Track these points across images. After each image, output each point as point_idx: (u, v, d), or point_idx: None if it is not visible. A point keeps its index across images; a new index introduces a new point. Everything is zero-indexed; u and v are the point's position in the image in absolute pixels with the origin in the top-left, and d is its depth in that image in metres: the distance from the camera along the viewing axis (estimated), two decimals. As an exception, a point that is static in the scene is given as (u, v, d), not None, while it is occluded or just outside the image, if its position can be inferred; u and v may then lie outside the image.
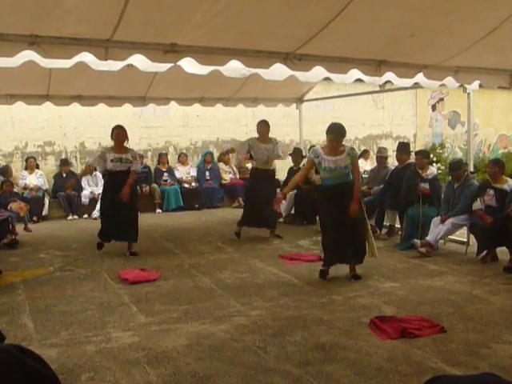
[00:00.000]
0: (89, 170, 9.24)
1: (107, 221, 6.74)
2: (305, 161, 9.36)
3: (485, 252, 6.20)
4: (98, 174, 10.45)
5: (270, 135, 7.67)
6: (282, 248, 7.10)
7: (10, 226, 7.50)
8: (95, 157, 7.14)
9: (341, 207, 5.30)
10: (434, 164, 10.62)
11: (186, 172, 11.45)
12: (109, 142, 10.99)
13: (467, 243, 6.75)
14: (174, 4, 3.89)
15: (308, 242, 7.47)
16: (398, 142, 8.77)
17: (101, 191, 10.04)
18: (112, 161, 6.59)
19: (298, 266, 6.07)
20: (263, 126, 7.59)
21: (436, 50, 5.23)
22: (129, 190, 6.53)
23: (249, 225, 7.69)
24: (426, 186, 7.02)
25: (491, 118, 15.31)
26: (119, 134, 6.68)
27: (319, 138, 12.98)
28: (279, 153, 7.63)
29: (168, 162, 11.41)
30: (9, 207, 7.83)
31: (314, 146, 9.65)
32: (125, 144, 6.79)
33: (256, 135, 7.68)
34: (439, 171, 10.33)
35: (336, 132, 5.31)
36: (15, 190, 9.25)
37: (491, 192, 6.26)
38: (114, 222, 6.62)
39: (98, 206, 10.06)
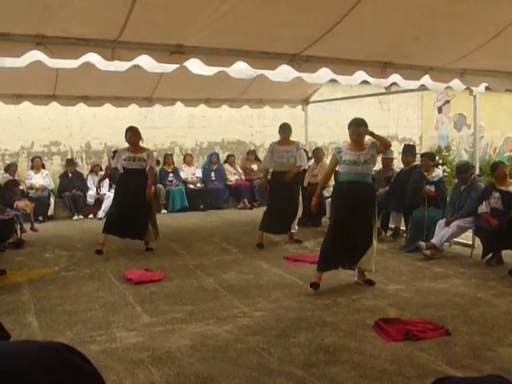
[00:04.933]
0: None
1: (117, 216, 6.80)
2: (311, 162, 9.37)
3: (490, 255, 6.17)
4: (103, 175, 10.48)
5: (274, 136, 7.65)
6: (286, 249, 7.10)
7: (18, 225, 7.56)
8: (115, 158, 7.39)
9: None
10: (440, 166, 10.57)
11: (192, 173, 11.45)
12: (114, 143, 11.17)
13: (472, 246, 6.73)
14: (180, 5, 3.90)
15: (312, 244, 7.45)
16: (403, 144, 8.75)
17: (106, 191, 10.21)
18: (125, 160, 6.87)
19: (303, 267, 6.07)
20: (281, 129, 7.41)
21: (441, 53, 5.22)
22: (151, 191, 6.96)
23: (266, 230, 7.41)
24: (432, 188, 7.01)
25: (497, 120, 15.23)
26: (131, 136, 6.94)
27: (324, 139, 13.01)
28: (299, 159, 7.34)
29: (173, 163, 11.42)
30: (15, 205, 7.87)
31: (318, 147, 9.67)
32: (140, 143, 7.05)
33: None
34: (445, 173, 10.29)
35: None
36: (21, 187, 9.28)
37: (497, 195, 6.25)
38: (124, 218, 6.70)
39: (103, 206, 10.11)
